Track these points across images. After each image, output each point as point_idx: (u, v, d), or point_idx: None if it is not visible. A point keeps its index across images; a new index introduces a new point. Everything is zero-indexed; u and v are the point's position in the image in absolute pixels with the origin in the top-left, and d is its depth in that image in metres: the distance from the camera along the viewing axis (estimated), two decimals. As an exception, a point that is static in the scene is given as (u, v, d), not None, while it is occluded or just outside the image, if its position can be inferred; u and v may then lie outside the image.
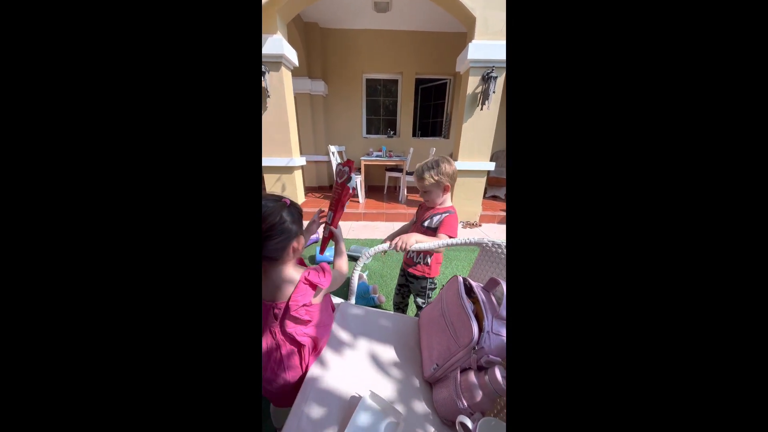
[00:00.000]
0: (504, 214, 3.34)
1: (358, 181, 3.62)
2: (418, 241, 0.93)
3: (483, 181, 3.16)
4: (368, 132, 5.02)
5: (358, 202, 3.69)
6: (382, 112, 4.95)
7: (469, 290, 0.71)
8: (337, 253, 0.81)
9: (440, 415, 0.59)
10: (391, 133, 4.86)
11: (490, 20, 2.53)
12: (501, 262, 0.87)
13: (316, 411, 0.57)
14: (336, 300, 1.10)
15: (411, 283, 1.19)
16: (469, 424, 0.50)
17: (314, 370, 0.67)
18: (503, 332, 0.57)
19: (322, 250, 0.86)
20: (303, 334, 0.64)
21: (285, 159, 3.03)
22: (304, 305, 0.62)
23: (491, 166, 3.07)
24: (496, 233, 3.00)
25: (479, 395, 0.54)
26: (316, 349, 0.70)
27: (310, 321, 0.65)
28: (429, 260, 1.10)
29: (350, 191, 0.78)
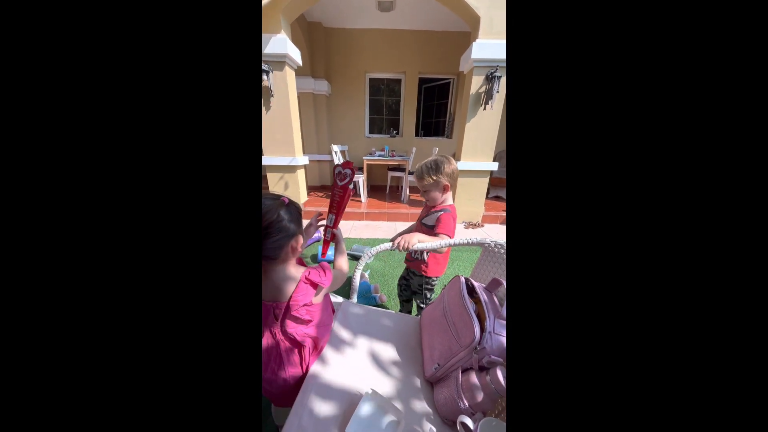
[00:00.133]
0: (507, 214, 3.32)
1: (360, 180, 3.62)
2: (420, 241, 0.93)
3: (486, 181, 3.15)
4: (371, 131, 5.02)
5: (360, 201, 3.70)
6: (385, 112, 4.94)
7: (472, 290, 0.71)
8: (338, 252, 0.81)
9: (441, 414, 0.59)
10: (394, 132, 4.85)
11: (494, 19, 2.52)
12: (503, 263, 0.87)
13: (317, 408, 0.57)
14: (337, 299, 1.10)
15: (411, 279, 1.22)
16: (470, 424, 0.50)
17: (315, 368, 0.67)
18: (505, 333, 0.57)
19: (323, 254, 0.86)
20: (303, 334, 0.64)
21: (288, 158, 3.04)
22: (304, 305, 0.62)
23: (494, 166, 3.05)
24: (499, 234, 2.98)
25: (480, 395, 0.53)
26: (316, 349, 0.70)
27: (310, 321, 0.64)
28: (425, 257, 1.09)
29: (351, 192, 0.78)
